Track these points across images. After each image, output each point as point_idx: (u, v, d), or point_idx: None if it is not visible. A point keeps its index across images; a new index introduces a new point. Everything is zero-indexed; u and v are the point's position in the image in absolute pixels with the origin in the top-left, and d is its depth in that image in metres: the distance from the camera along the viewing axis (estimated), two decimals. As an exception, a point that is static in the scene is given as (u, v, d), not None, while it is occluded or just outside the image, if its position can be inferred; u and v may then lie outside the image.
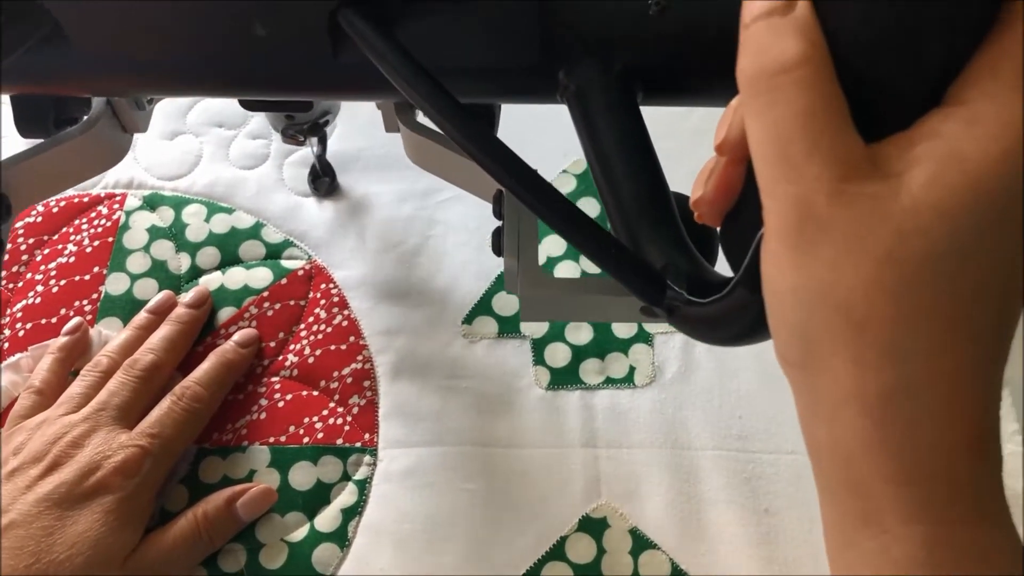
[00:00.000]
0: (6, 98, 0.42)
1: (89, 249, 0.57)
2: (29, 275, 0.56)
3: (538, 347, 0.54)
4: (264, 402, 0.52)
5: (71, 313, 0.55)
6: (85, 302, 0.55)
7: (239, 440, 0.51)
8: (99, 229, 0.58)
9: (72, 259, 0.57)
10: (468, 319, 0.55)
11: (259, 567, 0.47)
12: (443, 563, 0.48)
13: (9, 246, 0.57)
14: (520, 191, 0.29)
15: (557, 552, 0.48)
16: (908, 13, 0.21)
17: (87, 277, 0.56)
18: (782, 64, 0.21)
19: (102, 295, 0.56)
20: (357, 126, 0.63)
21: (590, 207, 0.59)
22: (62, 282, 0.56)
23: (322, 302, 0.56)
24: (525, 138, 0.59)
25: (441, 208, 0.59)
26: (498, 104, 0.41)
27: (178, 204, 0.60)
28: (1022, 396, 0.56)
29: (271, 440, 0.51)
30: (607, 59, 0.32)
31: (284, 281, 0.57)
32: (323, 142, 0.59)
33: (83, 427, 0.46)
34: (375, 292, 0.56)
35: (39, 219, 0.59)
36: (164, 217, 0.59)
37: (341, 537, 0.48)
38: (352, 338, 0.54)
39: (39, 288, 0.56)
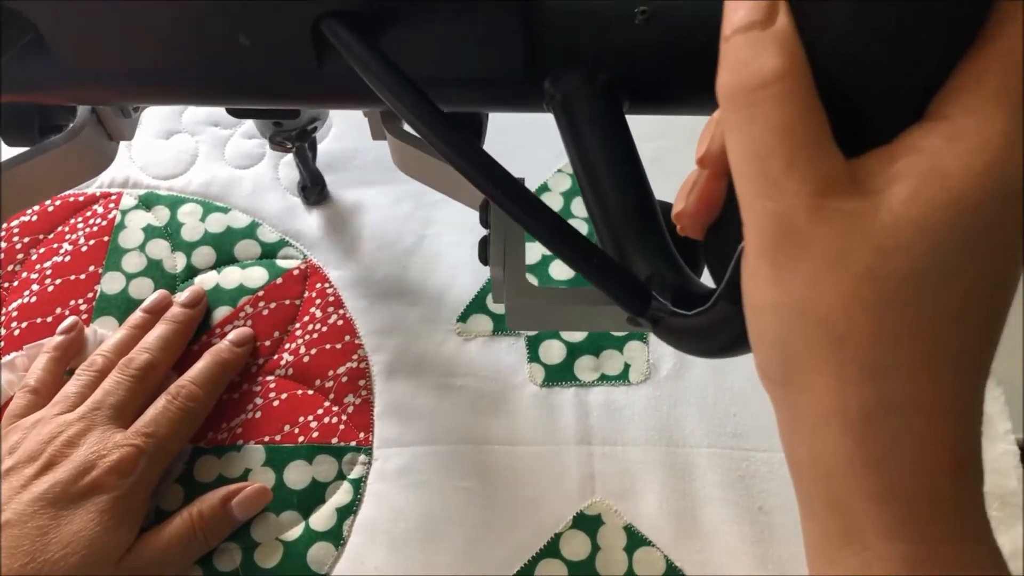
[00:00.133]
0: None
1: (84, 248, 0.57)
2: (24, 274, 0.57)
3: (533, 345, 0.54)
4: (259, 401, 0.52)
5: (66, 312, 0.55)
6: (80, 301, 0.55)
7: (234, 439, 0.51)
8: (95, 228, 0.58)
9: (67, 258, 0.57)
10: (463, 317, 0.56)
11: (254, 566, 0.47)
12: (438, 561, 0.48)
13: (4, 245, 0.57)
14: (503, 201, 0.29)
15: (552, 549, 0.48)
16: (889, 28, 0.20)
17: (82, 276, 0.56)
18: (761, 79, 0.21)
19: (97, 294, 0.56)
20: (353, 126, 0.63)
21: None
22: (57, 281, 0.56)
23: (317, 301, 0.56)
24: (521, 137, 0.59)
25: (436, 208, 0.60)
26: (485, 112, 0.41)
27: (174, 203, 0.60)
28: (1021, 395, 0.56)
29: (266, 439, 0.51)
30: (592, 69, 0.32)
31: (279, 280, 0.57)
32: (312, 148, 0.58)
33: (78, 426, 0.46)
34: (370, 291, 0.57)
35: (34, 218, 0.59)
36: (160, 216, 0.59)
37: (336, 536, 0.48)
38: (347, 337, 0.55)
39: (34, 287, 0.56)
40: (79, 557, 0.43)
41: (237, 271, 0.57)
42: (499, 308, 0.56)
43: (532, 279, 0.56)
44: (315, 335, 0.54)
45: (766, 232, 0.22)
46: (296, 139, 0.50)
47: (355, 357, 0.54)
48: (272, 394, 0.52)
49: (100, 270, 0.57)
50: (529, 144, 0.55)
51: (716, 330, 0.26)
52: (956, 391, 0.22)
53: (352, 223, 0.59)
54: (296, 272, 0.57)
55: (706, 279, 0.30)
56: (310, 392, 0.52)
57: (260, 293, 0.56)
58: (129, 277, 0.56)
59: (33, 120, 0.42)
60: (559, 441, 0.51)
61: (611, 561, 0.48)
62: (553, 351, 0.54)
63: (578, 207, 0.59)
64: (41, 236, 0.58)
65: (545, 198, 0.60)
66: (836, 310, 0.21)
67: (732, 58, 0.22)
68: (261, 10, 0.31)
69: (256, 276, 0.57)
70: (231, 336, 0.53)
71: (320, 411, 0.52)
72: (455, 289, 0.57)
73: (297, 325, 0.55)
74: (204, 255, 0.58)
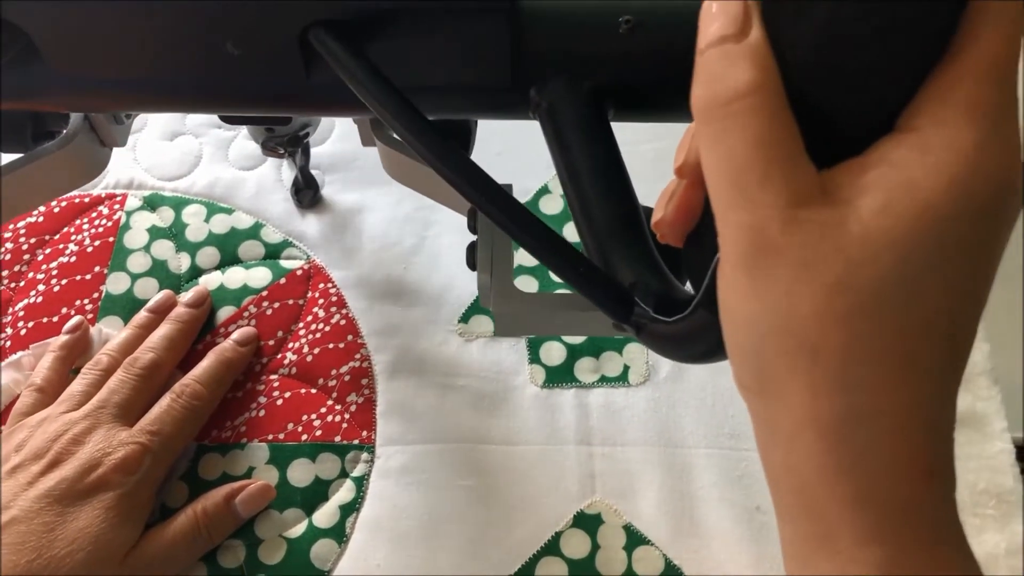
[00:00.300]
0: None
1: (90, 249, 0.58)
2: (31, 274, 0.57)
3: (533, 346, 0.55)
4: (263, 400, 0.53)
5: (72, 312, 0.55)
6: (86, 301, 0.56)
7: (238, 437, 0.51)
8: (100, 229, 0.59)
9: (73, 258, 0.58)
10: (464, 318, 0.56)
11: (258, 563, 0.48)
12: (439, 558, 0.48)
13: (11, 245, 0.58)
14: (488, 208, 0.29)
15: (552, 548, 0.49)
16: (860, 42, 0.21)
17: (88, 276, 0.57)
18: (734, 91, 0.21)
19: (103, 294, 0.56)
20: (355, 129, 0.63)
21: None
22: (63, 281, 0.57)
23: (320, 301, 0.56)
24: (522, 138, 0.60)
25: (437, 209, 0.60)
26: (474, 120, 0.41)
27: (178, 204, 0.60)
28: (1020, 394, 0.57)
29: (270, 437, 0.51)
30: (578, 77, 0.32)
31: (283, 281, 0.57)
32: (306, 153, 0.59)
33: (84, 424, 0.47)
34: (372, 292, 0.57)
35: (40, 219, 0.59)
36: (164, 217, 0.60)
37: (339, 533, 0.49)
38: (350, 337, 0.55)
39: (40, 287, 0.56)
40: (85, 553, 0.43)
41: (241, 271, 0.57)
42: (500, 309, 0.56)
43: (533, 282, 0.57)
44: (318, 335, 0.55)
45: (740, 243, 0.22)
46: (288, 145, 0.50)
47: (358, 356, 0.54)
48: (276, 393, 0.53)
49: (105, 270, 0.57)
50: (530, 146, 0.55)
51: (695, 337, 0.26)
52: (926, 401, 0.22)
53: (354, 224, 0.60)
54: (299, 272, 0.57)
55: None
56: (313, 391, 0.53)
57: (264, 293, 0.56)
58: (134, 277, 0.57)
59: (26, 126, 0.42)
60: (559, 441, 0.52)
61: (611, 560, 0.48)
62: (554, 353, 0.55)
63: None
64: (47, 237, 0.59)
65: (545, 200, 0.60)
66: (809, 321, 0.21)
67: (706, 71, 0.22)
68: (249, 19, 0.31)
69: (260, 276, 0.57)
70: (235, 335, 0.54)
71: (323, 410, 0.52)
72: (456, 290, 0.57)
73: (300, 325, 0.55)
74: (208, 256, 0.58)
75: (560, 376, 0.54)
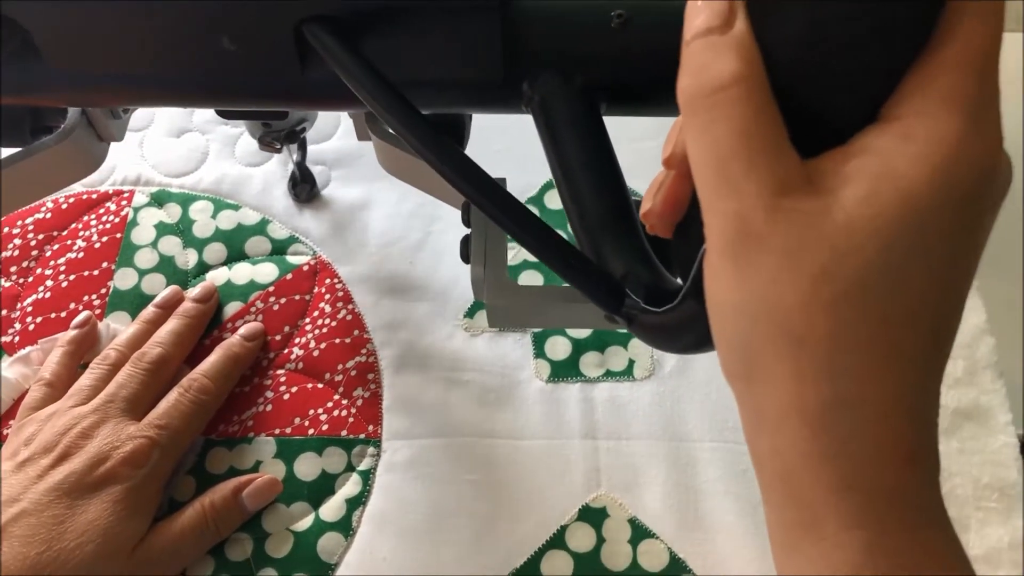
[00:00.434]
0: None
1: (98, 245, 0.58)
2: (39, 270, 0.57)
3: (539, 340, 0.55)
4: (270, 394, 0.53)
5: (80, 307, 0.56)
6: (94, 297, 0.56)
7: (245, 432, 0.52)
8: (107, 225, 0.59)
9: (81, 254, 0.58)
10: (470, 313, 0.56)
11: (265, 556, 0.48)
12: (445, 552, 0.49)
13: (19, 241, 0.58)
14: (480, 201, 0.29)
15: (557, 541, 0.49)
16: (843, 32, 0.21)
17: (96, 272, 0.57)
18: (719, 82, 0.22)
19: (111, 290, 0.57)
20: (361, 124, 0.64)
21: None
22: (71, 277, 0.57)
23: (327, 297, 0.57)
24: (526, 133, 0.60)
25: (442, 204, 0.60)
26: (468, 114, 0.42)
27: (185, 201, 0.61)
28: (1021, 388, 0.57)
29: (277, 432, 0.52)
30: (570, 71, 0.32)
31: (289, 276, 0.57)
32: (303, 148, 0.59)
33: (92, 418, 0.47)
34: (378, 287, 0.57)
35: (48, 215, 0.60)
36: (171, 213, 0.60)
37: (346, 526, 0.49)
38: (356, 332, 0.55)
39: (48, 283, 0.57)
40: (94, 546, 0.43)
41: (248, 267, 0.58)
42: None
43: (538, 277, 0.57)
44: (324, 330, 0.55)
45: (726, 232, 0.22)
46: (285, 140, 0.50)
47: (364, 351, 0.55)
48: (283, 387, 0.53)
49: (113, 266, 0.57)
50: (535, 141, 0.55)
51: (684, 327, 0.27)
52: (910, 388, 0.22)
53: (360, 220, 0.60)
54: (306, 268, 0.58)
55: None
56: (320, 386, 0.53)
57: (270, 289, 0.57)
58: (142, 273, 0.57)
59: (24, 121, 0.43)
60: (564, 435, 0.52)
61: (616, 553, 0.48)
62: (559, 347, 0.55)
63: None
64: (55, 233, 0.59)
65: (551, 195, 0.60)
66: (795, 309, 0.22)
67: (692, 62, 0.23)
68: (244, 14, 0.31)
69: (266, 272, 0.57)
70: (242, 331, 0.54)
71: (330, 404, 0.53)
72: (461, 285, 0.57)
73: (307, 320, 0.56)
74: (215, 251, 0.58)
75: (565, 370, 0.54)
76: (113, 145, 0.62)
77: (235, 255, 0.58)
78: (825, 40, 0.21)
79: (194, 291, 0.56)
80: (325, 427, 0.52)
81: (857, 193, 0.21)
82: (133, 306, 0.56)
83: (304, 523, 0.49)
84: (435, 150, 0.29)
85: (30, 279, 0.57)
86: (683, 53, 0.23)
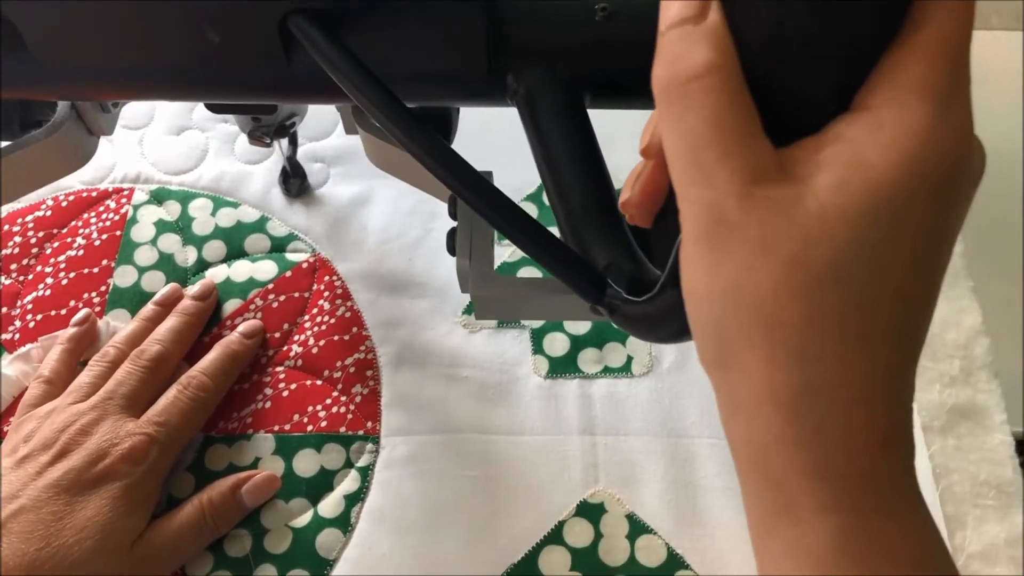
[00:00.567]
0: None
1: (97, 242, 0.58)
2: (39, 268, 0.58)
3: (537, 337, 0.55)
4: (269, 391, 0.53)
5: (80, 305, 0.56)
6: (94, 294, 0.56)
7: (244, 428, 0.52)
8: (107, 223, 0.59)
9: (81, 252, 0.58)
10: (468, 309, 0.56)
11: (264, 552, 0.48)
12: (444, 547, 0.49)
13: (19, 239, 0.58)
14: (464, 193, 0.29)
15: (555, 536, 0.49)
16: (815, 22, 0.21)
17: (95, 270, 0.57)
18: (693, 71, 0.22)
19: (110, 287, 0.57)
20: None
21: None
22: (71, 274, 0.57)
23: (325, 294, 0.57)
24: (520, 131, 0.60)
25: (441, 202, 0.60)
26: (455, 108, 0.42)
27: (185, 198, 0.61)
28: (1020, 386, 0.57)
29: (275, 428, 0.52)
30: (554, 64, 0.32)
31: (288, 274, 0.58)
32: (293, 143, 0.59)
33: (91, 415, 0.47)
34: (377, 284, 0.57)
35: (48, 213, 0.60)
36: (171, 211, 0.60)
37: (344, 522, 0.49)
38: (355, 329, 0.55)
39: (48, 280, 0.57)
40: (93, 542, 0.44)
41: (247, 264, 0.58)
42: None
43: (536, 273, 0.57)
44: (323, 327, 0.55)
45: (700, 220, 0.23)
46: (275, 134, 0.50)
47: (362, 348, 0.55)
48: (281, 384, 0.53)
49: (113, 264, 0.58)
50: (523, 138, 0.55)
51: (664, 316, 0.27)
52: (882, 373, 0.22)
53: (359, 217, 0.60)
54: (305, 265, 0.58)
55: None
56: (319, 382, 0.53)
57: (270, 286, 0.57)
58: (141, 271, 0.57)
59: (14, 115, 0.43)
60: (563, 431, 0.52)
61: (613, 548, 0.49)
62: (557, 343, 0.55)
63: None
64: (55, 230, 0.59)
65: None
66: (767, 296, 0.22)
67: (666, 52, 0.23)
68: (229, 6, 0.31)
69: (266, 269, 0.58)
70: (241, 328, 0.54)
71: (328, 401, 0.53)
72: (460, 282, 0.57)
73: (306, 317, 0.56)
74: (215, 249, 0.59)
75: (563, 367, 0.54)
76: (114, 142, 0.63)
77: (234, 252, 0.58)
78: (795, 31, 0.21)
79: (193, 288, 0.56)
80: (324, 424, 0.52)
81: (829, 181, 0.21)
82: (133, 303, 0.56)
83: (303, 519, 0.49)
84: (419, 142, 0.29)
85: (30, 277, 0.57)
86: (658, 43, 0.23)
